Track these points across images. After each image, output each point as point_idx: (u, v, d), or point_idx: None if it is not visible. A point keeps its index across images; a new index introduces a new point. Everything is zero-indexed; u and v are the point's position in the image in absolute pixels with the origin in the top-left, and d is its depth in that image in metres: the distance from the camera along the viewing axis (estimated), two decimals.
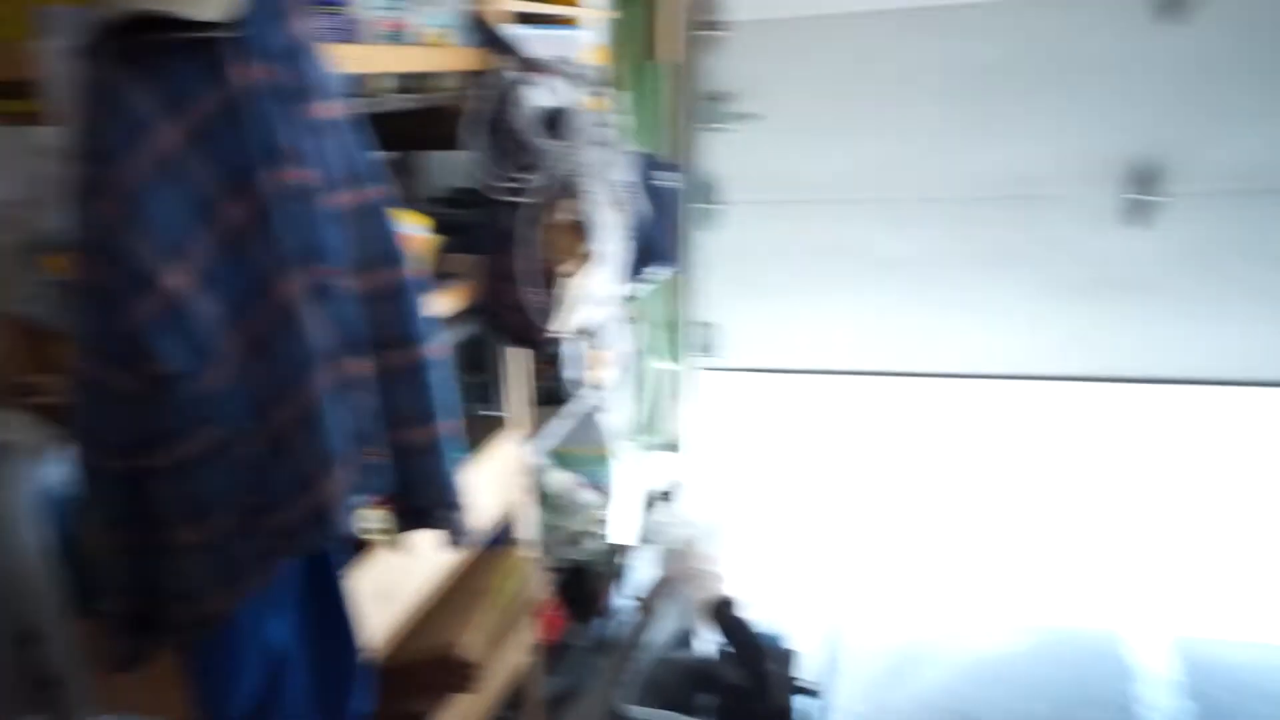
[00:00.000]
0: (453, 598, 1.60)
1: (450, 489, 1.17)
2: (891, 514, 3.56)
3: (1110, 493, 3.71)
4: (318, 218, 1.03)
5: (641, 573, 2.67)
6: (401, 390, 1.12)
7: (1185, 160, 2.52)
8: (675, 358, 2.97)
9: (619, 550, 2.58)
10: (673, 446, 3.13)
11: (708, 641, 2.21)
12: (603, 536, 2.43)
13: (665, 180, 2.11)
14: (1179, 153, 2.52)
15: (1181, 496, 3.66)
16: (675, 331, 2.94)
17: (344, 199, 1.10)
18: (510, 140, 1.73)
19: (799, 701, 1.94)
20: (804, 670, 2.03)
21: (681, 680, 2.03)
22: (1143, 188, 2.57)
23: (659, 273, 2.11)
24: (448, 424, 1.18)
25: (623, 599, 2.62)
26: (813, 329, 3.01)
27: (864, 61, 2.69)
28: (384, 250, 1.13)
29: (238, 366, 0.96)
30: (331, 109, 1.05)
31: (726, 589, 2.26)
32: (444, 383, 1.18)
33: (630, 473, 2.76)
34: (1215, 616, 2.56)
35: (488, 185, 1.68)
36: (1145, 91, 2.49)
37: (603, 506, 2.37)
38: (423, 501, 1.16)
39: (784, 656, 1.98)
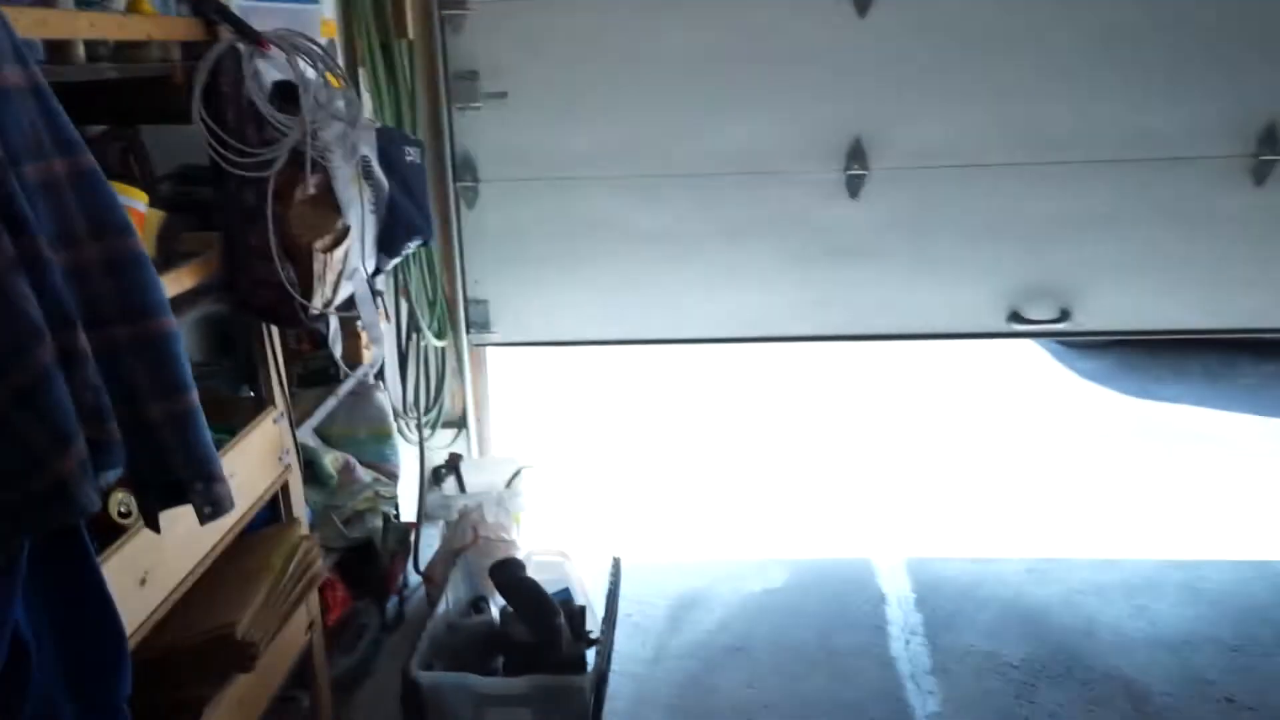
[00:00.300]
0: (227, 578, 1.57)
1: (206, 461, 1.16)
2: (664, 470, 3.79)
3: (848, 437, 4.16)
4: (12, 188, 0.99)
5: (430, 548, 2.70)
6: (147, 362, 1.10)
7: (883, 140, 2.81)
8: (448, 335, 3.00)
9: (406, 527, 2.59)
10: (454, 423, 3.16)
11: (498, 607, 2.28)
12: (387, 515, 2.43)
13: (410, 155, 2.13)
14: (878, 134, 2.81)
15: (904, 436, 4.17)
16: (445, 309, 2.96)
17: (53, 168, 1.06)
18: (244, 114, 1.70)
19: (587, 652, 2.04)
20: (590, 622, 2.14)
21: (472, 644, 2.08)
22: (854, 165, 2.87)
23: (411, 246, 2.13)
24: (195, 396, 1.17)
25: (413, 575, 2.64)
26: (578, 302, 3.11)
27: (604, 43, 2.81)
28: (111, 220, 1.11)
29: None
30: (13, 76, 1.01)
31: (512, 553, 2.34)
32: (184, 356, 1.17)
33: (413, 451, 2.77)
34: (937, 538, 2.94)
35: (226, 159, 1.64)
36: (850, 79, 2.76)
37: (386, 485, 2.37)
38: (176, 475, 1.14)
39: (572, 611, 2.08)
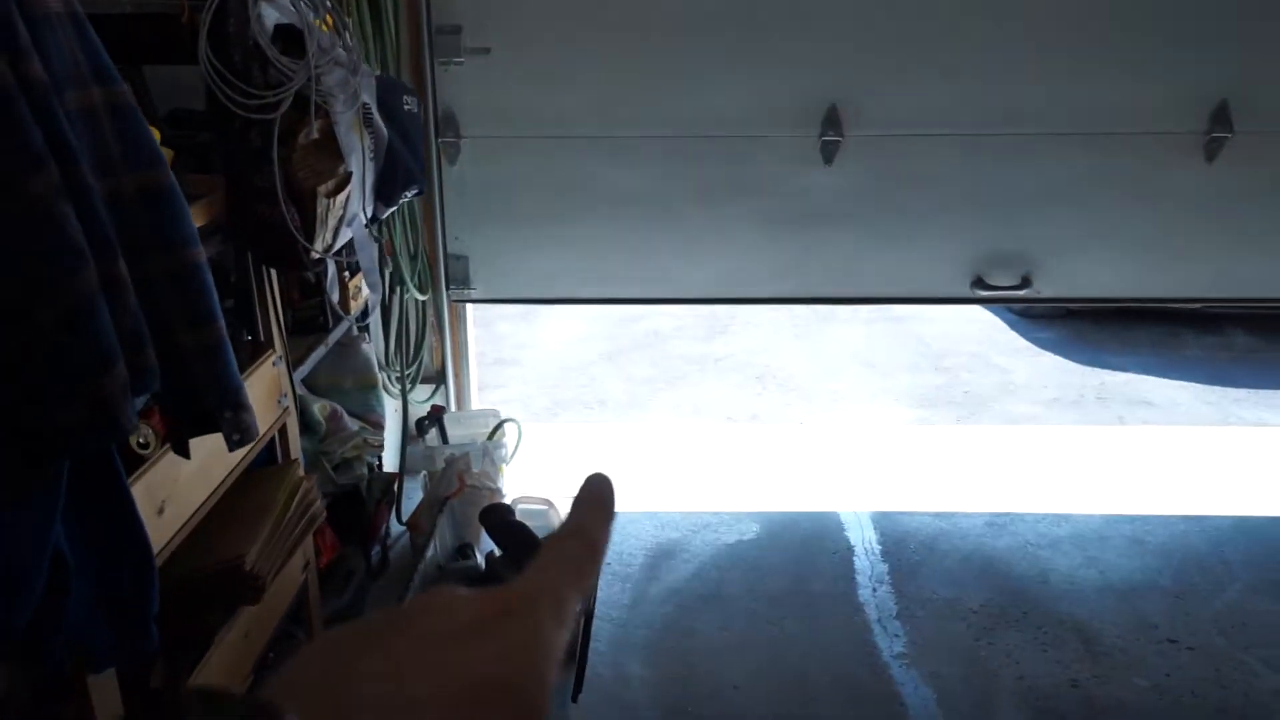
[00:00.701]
0: (232, 513, 1.60)
1: (235, 390, 1.20)
2: (640, 426, 3.87)
3: (816, 399, 4.28)
4: (58, 114, 1.01)
5: (410, 499, 2.74)
6: (180, 292, 1.13)
7: (858, 107, 2.87)
8: (428, 290, 3.01)
9: (389, 477, 2.63)
10: (432, 378, 3.19)
11: (483, 554, 2.33)
12: (372, 464, 2.47)
13: (408, 103, 2.14)
14: (854, 101, 2.87)
15: (870, 398, 4.30)
16: (426, 264, 2.98)
17: (92, 97, 1.08)
18: (250, 56, 1.70)
19: None
20: None
21: (464, 586, 2.15)
22: (829, 131, 2.93)
23: (408, 195, 2.15)
24: (223, 327, 1.20)
25: (396, 524, 2.68)
26: (557, 260, 3.15)
27: (587, 2, 2.82)
28: (146, 151, 1.13)
29: None
30: (54, 2, 1.02)
31: (498, 500, 2.40)
32: (213, 287, 1.20)
33: (394, 404, 2.80)
34: (902, 494, 3.07)
35: (232, 101, 1.65)
36: (827, 46, 2.81)
37: (373, 434, 2.40)
38: (208, 403, 1.18)
39: None
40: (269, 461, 1.88)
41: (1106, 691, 2.14)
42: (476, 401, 3.39)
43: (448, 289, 3.15)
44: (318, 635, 2.05)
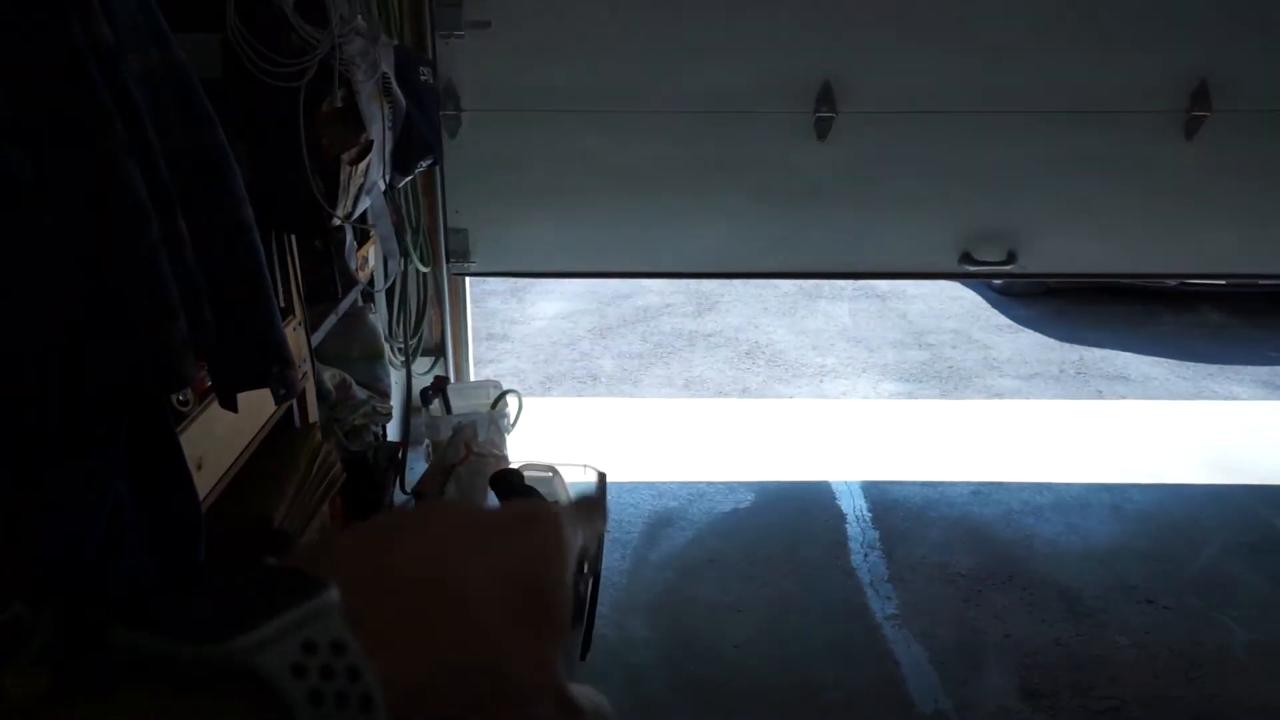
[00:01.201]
0: (257, 474, 1.64)
1: (281, 345, 1.24)
2: (636, 400, 3.93)
3: (805, 372, 4.36)
4: (124, 75, 1.04)
5: (413, 469, 2.79)
6: (231, 249, 1.17)
7: (852, 85, 2.94)
8: (429, 262, 3.05)
9: (394, 446, 2.67)
10: (432, 350, 3.23)
11: None
12: (376, 433, 2.51)
13: (424, 74, 2.17)
14: (847, 78, 2.93)
15: (858, 373, 4.39)
16: (427, 236, 3.01)
17: (150, 58, 1.11)
18: (276, 24, 1.73)
19: None
20: None
21: None
22: (823, 107, 2.99)
23: (424, 164, 2.19)
24: (269, 284, 1.24)
25: (402, 494, 2.73)
26: (555, 234, 3.19)
27: None
28: (200, 112, 1.16)
29: (58, 219, 0.98)
30: None
31: (504, 466, 2.45)
32: (260, 245, 1.24)
33: (397, 374, 2.84)
34: (890, 465, 3.16)
35: (259, 69, 1.67)
36: (821, 23, 2.86)
37: (381, 403, 2.44)
38: (256, 358, 1.22)
39: None
40: (286, 426, 1.92)
41: (1088, 649, 2.25)
42: (473, 375, 3.43)
43: (448, 262, 3.19)
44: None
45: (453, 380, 3.27)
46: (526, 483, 2.12)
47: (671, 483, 2.98)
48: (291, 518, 1.64)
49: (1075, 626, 2.33)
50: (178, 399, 1.38)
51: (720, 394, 4.00)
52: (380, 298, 2.77)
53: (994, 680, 2.14)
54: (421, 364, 3.19)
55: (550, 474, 2.41)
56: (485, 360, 4.09)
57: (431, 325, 3.22)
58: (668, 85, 2.99)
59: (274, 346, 1.24)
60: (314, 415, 1.96)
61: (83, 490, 1.06)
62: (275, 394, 1.25)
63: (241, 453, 1.58)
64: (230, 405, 1.24)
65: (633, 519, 2.79)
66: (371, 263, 2.55)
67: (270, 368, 1.23)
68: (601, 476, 2.46)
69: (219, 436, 1.48)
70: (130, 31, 1.07)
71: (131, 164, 1.03)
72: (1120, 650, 2.25)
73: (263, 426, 1.67)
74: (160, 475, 1.17)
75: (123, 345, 1.03)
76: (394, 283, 2.94)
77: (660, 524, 2.78)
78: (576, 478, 2.47)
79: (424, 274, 3.03)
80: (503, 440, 2.58)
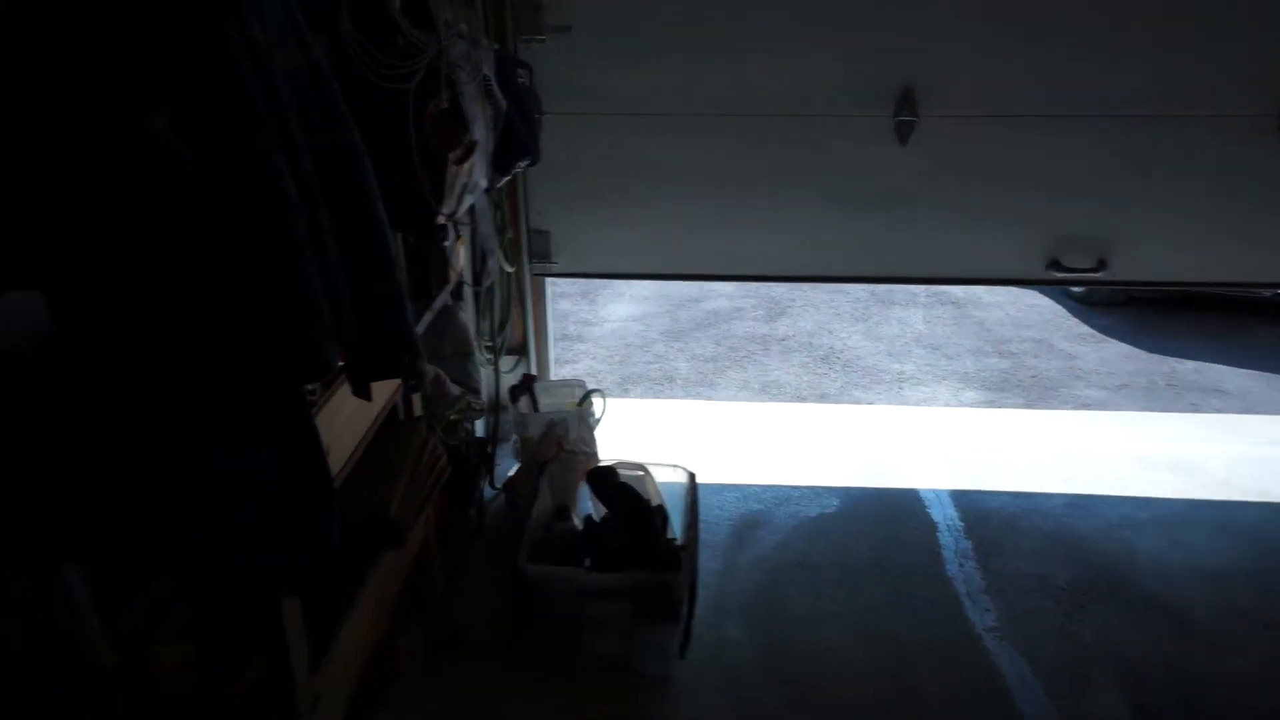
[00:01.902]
0: (369, 464, 1.66)
1: (414, 337, 1.26)
2: (715, 403, 3.91)
3: (884, 378, 4.29)
4: (274, 74, 1.06)
5: (500, 465, 2.80)
6: (368, 244, 1.19)
7: (934, 88, 2.87)
8: (514, 262, 3.07)
9: (483, 442, 2.69)
10: (514, 349, 3.25)
11: (580, 516, 2.39)
12: (471, 429, 2.53)
13: (521, 76, 2.19)
14: (929, 81, 2.86)
15: (939, 379, 4.31)
16: (512, 236, 3.04)
17: (294, 58, 1.13)
18: (387, 28, 1.75)
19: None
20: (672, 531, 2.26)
21: (564, 546, 2.19)
22: (904, 111, 2.92)
23: (521, 165, 2.20)
24: (401, 279, 1.25)
25: (491, 489, 2.75)
26: (635, 236, 3.19)
27: None
28: (337, 111, 1.18)
29: (216, 212, 1.00)
30: None
31: (594, 464, 2.45)
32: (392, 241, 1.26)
33: (490, 369, 2.87)
34: (979, 474, 3.08)
35: (372, 70, 1.70)
36: (904, 26, 2.81)
37: (475, 399, 2.47)
38: (390, 349, 1.24)
39: (662, 517, 2.20)
40: (392, 419, 1.95)
41: (1203, 671, 2.15)
42: (553, 374, 3.45)
43: (530, 262, 3.21)
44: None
45: (547, 377, 3.29)
46: (630, 489, 2.12)
47: (756, 485, 2.95)
48: (404, 508, 1.66)
49: (1187, 646, 2.23)
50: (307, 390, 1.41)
51: (798, 398, 3.95)
52: (469, 295, 2.80)
53: (1102, 696, 2.07)
54: (504, 362, 3.22)
55: (641, 473, 2.40)
56: (562, 360, 4.10)
57: (514, 324, 3.24)
58: (746, 88, 2.97)
59: (406, 338, 1.25)
60: (418, 408, 1.98)
61: (233, 478, 1.08)
62: (406, 384, 1.27)
63: (360, 441, 1.60)
64: (364, 394, 1.26)
65: (719, 520, 2.77)
66: (461, 262, 2.57)
67: (402, 358, 1.25)
68: (691, 477, 2.45)
69: (338, 427, 1.50)
70: (277, 34, 1.10)
71: (281, 160, 1.05)
72: (1237, 673, 2.15)
73: (377, 418, 1.70)
74: (298, 461, 1.19)
75: (271, 334, 1.05)
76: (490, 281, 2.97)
77: (747, 526, 2.75)
78: (666, 477, 2.45)
79: (508, 274, 3.06)
80: (592, 438, 2.58)
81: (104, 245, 0.93)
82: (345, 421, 1.52)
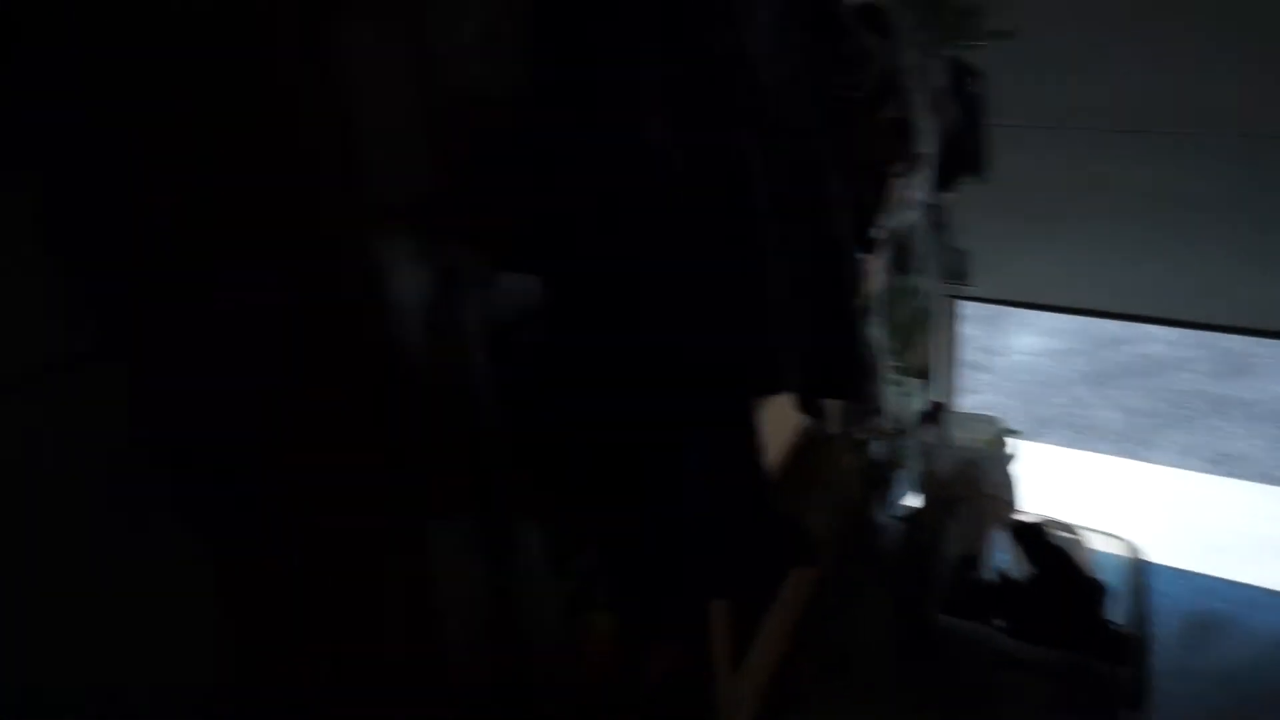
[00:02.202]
0: (787, 476, 1.66)
1: (867, 359, 1.21)
2: (1152, 466, 3.38)
3: None
4: (761, 84, 1.07)
5: (908, 491, 2.65)
6: (834, 260, 1.17)
7: None
8: (926, 281, 2.91)
9: (885, 467, 2.58)
10: (923, 371, 3.08)
11: (994, 569, 2.16)
12: (876, 452, 2.44)
13: (970, 84, 2.06)
14: None
15: None
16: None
17: (779, 69, 1.14)
18: (837, 35, 1.74)
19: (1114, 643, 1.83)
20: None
21: (975, 598, 2.00)
22: None
23: (965, 180, 2.07)
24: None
25: (883, 517, 2.63)
26: (1063, 263, 2.87)
27: None
28: (808, 120, 1.17)
29: (697, 212, 1.02)
30: None
31: (1014, 516, 2.22)
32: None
33: (897, 391, 2.75)
34: None
35: (826, 80, 1.70)
36: None
37: (882, 422, 2.37)
38: (843, 369, 1.20)
39: (1100, 592, 1.90)
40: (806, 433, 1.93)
41: None
42: (957, 403, 3.23)
43: (946, 281, 3.03)
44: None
45: (956, 407, 3.10)
46: (1068, 555, 1.84)
47: (1215, 578, 2.45)
48: (818, 525, 1.63)
49: None
50: None
51: (1267, 479, 3.26)
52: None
53: None
54: (910, 386, 3.07)
55: (1071, 535, 2.12)
56: (963, 389, 3.83)
57: (921, 347, 3.08)
58: (1221, 100, 2.49)
59: (860, 360, 1.21)
60: (833, 425, 1.94)
61: (688, 482, 1.10)
62: (856, 409, 1.22)
63: (784, 452, 1.60)
64: (815, 411, 1.24)
65: (1167, 611, 2.33)
66: (881, 279, 2.49)
67: (856, 380, 1.21)
68: (1136, 551, 2.10)
69: (769, 435, 1.50)
70: (765, 41, 1.11)
71: (759, 168, 1.05)
72: None
73: (794, 432, 1.69)
74: (741, 470, 1.20)
75: (732, 344, 1.06)
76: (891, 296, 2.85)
77: (1203, 628, 2.28)
78: (1098, 545, 2.13)
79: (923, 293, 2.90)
80: (1010, 484, 2.34)
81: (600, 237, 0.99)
82: (769, 434, 1.52)
